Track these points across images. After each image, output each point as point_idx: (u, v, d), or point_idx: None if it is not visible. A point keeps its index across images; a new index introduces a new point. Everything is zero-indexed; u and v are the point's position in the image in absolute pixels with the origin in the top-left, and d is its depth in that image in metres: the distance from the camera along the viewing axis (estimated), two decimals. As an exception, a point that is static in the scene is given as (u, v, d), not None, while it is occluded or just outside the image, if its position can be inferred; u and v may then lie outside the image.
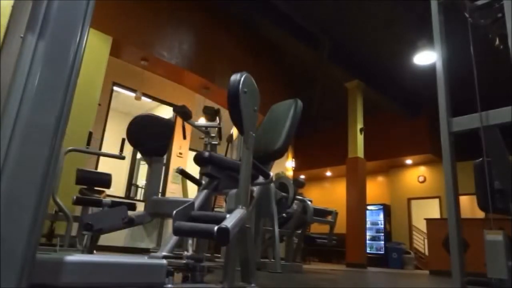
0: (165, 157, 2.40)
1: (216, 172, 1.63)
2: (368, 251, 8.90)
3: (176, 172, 2.38)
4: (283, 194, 4.42)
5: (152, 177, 2.17)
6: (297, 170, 11.47)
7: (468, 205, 7.29)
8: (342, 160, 8.89)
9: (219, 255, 4.58)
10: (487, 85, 3.35)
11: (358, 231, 8.05)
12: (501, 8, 1.80)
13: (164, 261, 1.17)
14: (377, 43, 7.89)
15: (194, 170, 2.37)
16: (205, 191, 1.61)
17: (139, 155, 8.14)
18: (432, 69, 2.22)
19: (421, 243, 11.07)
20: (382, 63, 8.49)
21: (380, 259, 10.29)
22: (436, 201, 10.51)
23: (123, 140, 3.87)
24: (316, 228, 7.52)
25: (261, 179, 1.66)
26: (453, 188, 1.80)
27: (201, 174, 1.79)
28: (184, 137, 4.17)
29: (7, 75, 0.80)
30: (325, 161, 11.72)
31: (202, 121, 4.79)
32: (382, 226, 11.02)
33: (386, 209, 11.22)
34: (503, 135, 1.86)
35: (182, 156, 8.02)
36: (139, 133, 2.16)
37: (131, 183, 8.71)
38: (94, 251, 2.49)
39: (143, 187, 8.96)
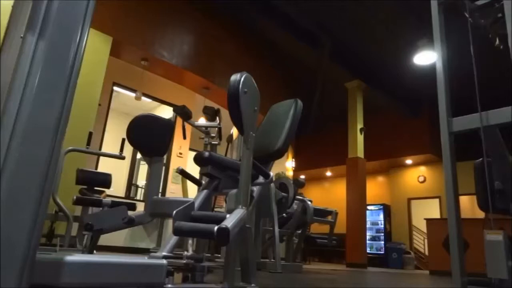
0: (165, 157, 2.40)
1: (216, 172, 1.63)
2: (368, 251, 8.89)
3: (176, 172, 2.38)
4: (283, 194, 4.42)
5: (152, 177, 2.17)
6: (297, 170, 11.47)
7: (468, 205, 7.30)
8: (342, 160, 8.88)
9: (219, 255, 4.58)
10: (487, 85, 3.34)
11: (358, 231, 8.05)
12: (501, 8, 1.80)
13: (164, 261, 1.17)
14: (377, 43, 7.89)
15: (194, 170, 2.38)
16: (205, 191, 1.61)
17: (139, 155, 8.14)
18: (432, 69, 2.22)
19: (421, 243, 11.07)
20: (382, 63, 8.49)
21: (380, 259, 10.29)
22: (436, 201, 10.50)
23: (123, 140, 3.87)
24: (316, 228, 7.53)
25: (261, 179, 1.66)
26: (453, 188, 1.80)
27: (201, 174, 1.79)
28: (184, 137, 4.16)
29: (7, 75, 0.80)
30: (325, 161, 11.72)
31: (202, 121, 4.79)
32: (382, 226, 11.02)
33: (386, 209, 11.22)
34: (503, 135, 1.86)
35: (182, 156, 8.02)
36: (139, 133, 2.16)
37: (131, 183, 8.71)
38: (94, 251, 2.49)
39: (143, 187, 8.96)
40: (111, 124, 7.37)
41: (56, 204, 3.59)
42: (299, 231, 5.24)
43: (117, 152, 4.22)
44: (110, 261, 1.07)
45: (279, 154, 1.74)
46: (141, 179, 9.30)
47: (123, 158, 4.24)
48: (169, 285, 1.15)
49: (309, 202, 4.94)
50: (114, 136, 7.01)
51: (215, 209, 4.00)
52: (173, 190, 7.65)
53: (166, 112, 7.79)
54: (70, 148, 3.81)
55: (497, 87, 5.47)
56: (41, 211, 0.75)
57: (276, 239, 4.04)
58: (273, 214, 4.06)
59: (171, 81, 7.49)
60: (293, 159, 11.04)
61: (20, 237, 0.71)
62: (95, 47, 5.39)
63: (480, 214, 2.04)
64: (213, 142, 3.92)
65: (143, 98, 7.51)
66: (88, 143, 4.52)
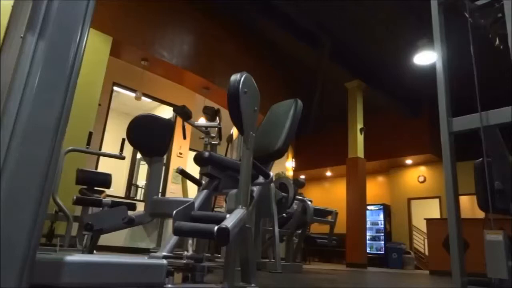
0: (165, 157, 2.40)
1: (216, 172, 1.63)
2: (368, 251, 8.89)
3: (176, 172, 2.38)
4: (283, 194, 4.42)
5: (152, 177, 2.17)
6: (297, 170, 11.47)
7: (468, 205, 7.30)
8: (342, 160, 8.89)
9: (219, 255, 4.58)
10: (487, 85, 3.35)
11: (358, 231, 8.05)
12: (501, 8, 1.80)
13: (164, 261, 1.17)
14: (377, 43, 7.90)
15: (194, 170, 2.38)
16: (205, 191, 1.61)
17: (139, 155, 8.14)
18: (432, 69, 2.22)
19: (421, 243, 11.07)
20: (382, 63, 8.49)
21: (380, 259, 10.29)
22: (436, 201, 10.50)
23: (123, 140, 3.87)
24: (316, 228, 7.53)
25: (261, 179, 1.66)
26: (453, 188, 1.80)
27: (201, 174, 1.79)
28: (184, 137, 4.17)
29: (7, 75, 0.80)
30: (325, 161, 11.72)
31: (202, 121, 4.79)
32: (382, 226, 11.02)
33: (386, 209, 11.22)
34: (503, 135, 1.86)
35: (182, 156, 8.02)
36: (139, 133, 2.16)
37: (131, 183, 8.71)
38: (94, 251, 2.49)
39: (143, 187, 8.96)
40: (111, 124, 7.37)
41: (56, 204, 3.59)
42: (299, 231, 5.24)
43: (117, 152, 4.22)
44: (110, 261, 1.07)
45: (279, 154, 1.74)
46: (141, 179, 9.30)
47: (123, 158, 4.24)
48: (169, 285, 1.15)
49: (309, 202, 4.94)
50: (114, 136, 7.01)
51: (215, 209, 4.00)
52: (173, 190, 7.65)
53: (166, 112, 7.78)
54: (70, 148, 3.81)
55: (497, 87, 5.47)
56: (41, 211, 0.75)
57: (276, 239, 4.04)
58: (273, 214, 4.06)
59: (171, 81, 7.49)
60: (293, 159, 11.04)
61: (20, 237, 0.71)
62: (95, 47, 5.39)
63: (480, 214, 2.04)
64: (213, 142, 3.92)
65: (143, 98, 7.51)
66: (88, 143, 4.52)
